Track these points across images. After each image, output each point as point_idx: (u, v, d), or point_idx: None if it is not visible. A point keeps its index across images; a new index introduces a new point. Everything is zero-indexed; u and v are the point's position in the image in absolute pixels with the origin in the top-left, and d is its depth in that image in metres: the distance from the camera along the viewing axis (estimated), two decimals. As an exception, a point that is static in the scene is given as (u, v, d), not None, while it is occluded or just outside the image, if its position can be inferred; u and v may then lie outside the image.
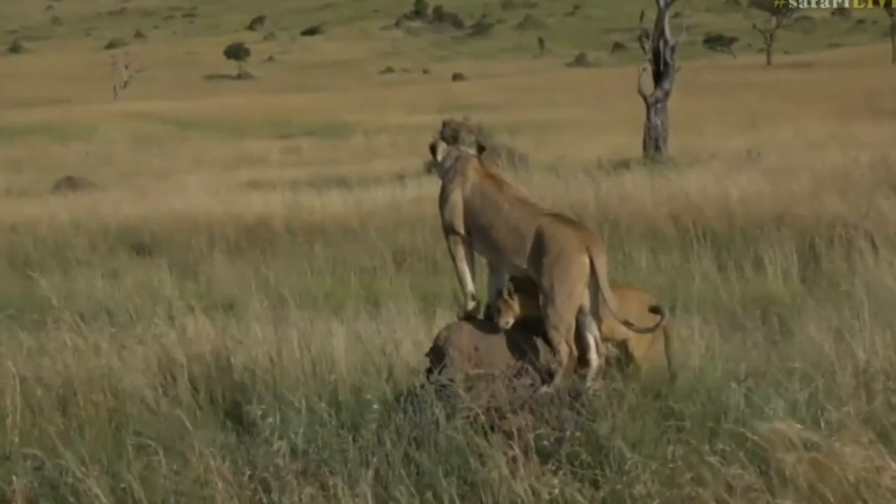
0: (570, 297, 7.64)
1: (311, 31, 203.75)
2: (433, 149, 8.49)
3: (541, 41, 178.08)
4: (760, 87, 74.55)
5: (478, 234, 8.11)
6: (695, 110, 51.61)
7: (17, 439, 9.08)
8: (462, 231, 8.16)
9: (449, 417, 7.51)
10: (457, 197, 8.15)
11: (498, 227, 7.97)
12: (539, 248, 7.75)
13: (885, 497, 6.69)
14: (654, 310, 8.06)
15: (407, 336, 10.70)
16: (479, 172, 8.19)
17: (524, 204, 8.07)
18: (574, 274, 7.64)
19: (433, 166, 8.69)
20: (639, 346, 8.23)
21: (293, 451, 7.50)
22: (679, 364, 8.51)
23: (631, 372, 8.14)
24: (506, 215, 7.96)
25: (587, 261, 7.65)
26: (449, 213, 8.19)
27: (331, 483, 7.20)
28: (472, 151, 8.37)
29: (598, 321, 7.81)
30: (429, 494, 7.16)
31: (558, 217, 8.02)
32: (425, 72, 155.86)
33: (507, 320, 7.92)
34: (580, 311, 7.73)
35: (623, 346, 8.29)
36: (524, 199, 8.15)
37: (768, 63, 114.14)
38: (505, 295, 7.93)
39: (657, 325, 8.00)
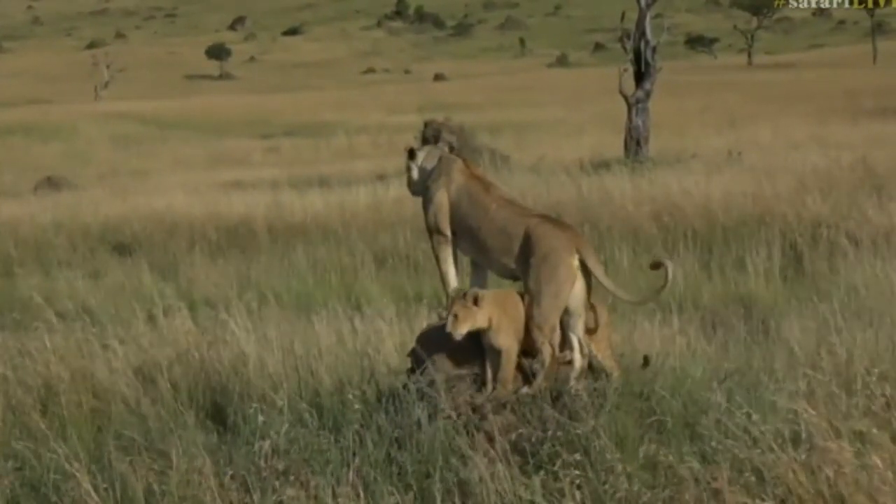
0: (556, 298, 7.63)
1: (291, 32, 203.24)
2: (412, 153, 8.50)
3: (522, 41, 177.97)
4: (741, 87, 74.63)
5: (464, 235, 8.10)
6: (676, 111, 51.66)
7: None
8: (447, 232, 8.15)
9: (430, 418, 7.51)
10: (442, 198, 8.14)
11: (485, 227, 7.96)
12: (527, 249, 7.74)
13: (863, 497, 6.71)
14: (656, 265, 8.02)
15: (388, 336, 10.70)
16: (465, 174, 8.19)
17: (511, 204, 8.06)
18: (561, 275, 7.63)
19: (407, 172, 8.62)
20: (598, 346, 8.09)
21: (275, 452, 7.49)
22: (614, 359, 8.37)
23: (609, 371, 8.06)
24: (493, 216, 7.95)
25: (575, 262, 7.65)
26: (434, 213, 8.18)
27: (313, 483, 7.21)
28: (445, 150, 8.43)
29: (583, 322, 7.79)
30: (411, 494, 7.17)
31: (546, 218, 8.01)
32: (406, 72, 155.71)
33: (461, 330, 7.57)
34: (565, 311, 7.71)
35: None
36: (511, 200, 8.15)
37: (749, 63, 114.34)
38: (469, 301, 7.60)
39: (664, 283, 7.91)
